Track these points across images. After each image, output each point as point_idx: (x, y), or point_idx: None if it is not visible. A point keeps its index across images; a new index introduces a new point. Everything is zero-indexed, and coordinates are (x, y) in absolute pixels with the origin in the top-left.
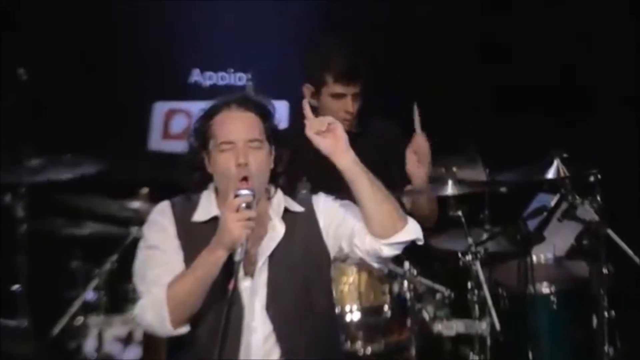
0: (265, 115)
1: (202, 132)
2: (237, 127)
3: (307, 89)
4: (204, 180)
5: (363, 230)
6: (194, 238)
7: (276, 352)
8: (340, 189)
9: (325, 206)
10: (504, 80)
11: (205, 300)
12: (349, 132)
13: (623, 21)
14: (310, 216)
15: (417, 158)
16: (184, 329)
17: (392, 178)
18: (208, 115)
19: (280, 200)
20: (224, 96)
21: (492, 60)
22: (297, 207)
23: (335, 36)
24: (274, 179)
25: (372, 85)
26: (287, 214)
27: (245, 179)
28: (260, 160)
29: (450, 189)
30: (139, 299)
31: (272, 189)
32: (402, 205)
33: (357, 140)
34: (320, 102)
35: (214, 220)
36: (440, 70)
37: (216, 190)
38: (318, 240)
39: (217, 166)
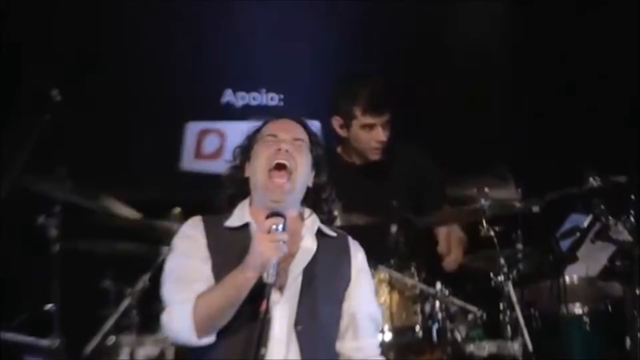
0: (312, 134)
1: (248, 143)
2: (284, 126)
3: (336, 121)
4: (241, 194)
5: (353, 335)
6: (225, 244)
7: None
8: (369, 210)
9: (362, 265)
10: (537, 99)
11: (233, 316)
12: (380, 161)
13: None
14: (343, 245)
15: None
16: (209, 340)
17: (425, 202)
18: (257, 130)
19: (314, 221)
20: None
21: (524, 80)
22: (330, 232)
23: (364, 59)
24: (317, 205)
25: (402, 107)
26: (319, 234)
27: (283, 167)
28: (302, 159)
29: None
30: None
31: (307, 212)
32: (432, 233)
33: (390, 169)
34: (350, 134)
35: (246, 227)
36: (471, 89)
37: (250, 200)
38: (346, 267)
39: (256, 157)
